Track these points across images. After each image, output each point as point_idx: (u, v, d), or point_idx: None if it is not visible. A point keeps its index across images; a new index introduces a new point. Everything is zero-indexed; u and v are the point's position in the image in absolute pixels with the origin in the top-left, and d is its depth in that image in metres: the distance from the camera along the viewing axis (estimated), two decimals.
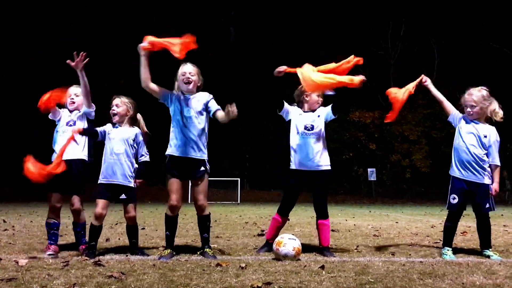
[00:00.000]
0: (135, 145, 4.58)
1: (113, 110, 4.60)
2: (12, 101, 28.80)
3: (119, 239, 5.80)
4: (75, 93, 4.79)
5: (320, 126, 4.69)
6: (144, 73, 4.31)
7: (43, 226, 7.48)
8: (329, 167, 4.70)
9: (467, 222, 8.51)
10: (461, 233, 6.88)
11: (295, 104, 4.87)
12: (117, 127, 4.61)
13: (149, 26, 30.98)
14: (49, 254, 4.32)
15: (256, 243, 5.45)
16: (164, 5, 32.60)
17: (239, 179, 28.34)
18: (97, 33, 30.41)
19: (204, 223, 4.48)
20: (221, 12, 35.63)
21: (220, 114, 4.38)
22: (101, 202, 4.38)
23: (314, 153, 4.62)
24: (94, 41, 29.92)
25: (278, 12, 34.90)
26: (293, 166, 4.68)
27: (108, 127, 4.62)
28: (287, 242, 4.17)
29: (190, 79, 4.44)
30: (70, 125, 4.68)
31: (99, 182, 4.46)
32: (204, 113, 4.46)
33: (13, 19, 28.96)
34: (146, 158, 4.65)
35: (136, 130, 4.64)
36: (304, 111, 4.78)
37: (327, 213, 4.67)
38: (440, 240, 5.95)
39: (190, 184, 4.59)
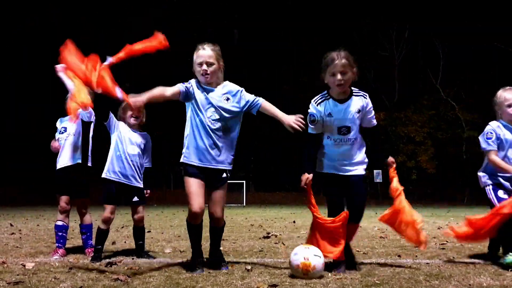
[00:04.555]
0: (144, 148, 4.57)
1: (137, 116, 4.53)
2: (13, 100, 29.02)
3: (125, 242, 5.82)
4: None
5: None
6: (155, 98, 3.60)
7: (49, 230, 7.52)
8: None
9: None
10: None
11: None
12: (130, 130, 4.51)
13: (153, 29, 31.12)
14: (55, 258, 4.34)
15: (262, 245, 5.45)
16: (168, 8, 32.74)
17: (244, 181, 28.34)
18: (101, 34, 30.55)
19: (217, 232, 3.94)
20: (225, 15, 35.73)
21: (268, 104, 3.83)
22: (109, 207, 4.33)
23: None
24: (96, 42, 30.09)
25: (280, 15, 34.93)
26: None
27: (122, 126, 4.48)
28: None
29: (208, 71, 3.68)
30: (62, 133, 4.72)
31: (107, 177, 4.34)
32: (233, 110, 3.76)
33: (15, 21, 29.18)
34: (149, 164, 4.64)
35: (147, 136, 4.62)
36: None
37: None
38: (447, 241, 5.91)
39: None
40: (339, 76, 3.60)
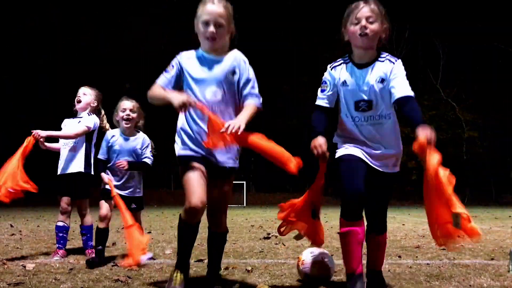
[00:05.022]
0: (141, 151, 4.35)
1: (128, 115, 4.24)
2: (15, 99, 29.04)
3: (125, 243, 5.81)
4: (83, 92, 4.70)
5: None
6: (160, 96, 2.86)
7: (50, 231, 7.52)
8: None
9: (475, 224, 8.45)
10: None
11: None
12: (122, 136, 4.30)
13: (153, 29, 31.17)
14: (56, 259, 4.34)
15: (262, 246, 5.45)
16: (168, 8, 32.71)
17: (244, 182, 28.32)
18: (101, 34, 30.54)
19: (218, 243, 3.08)
20: None
21: (248, 105, 2.85)
22: (105, 204, 4.17)
23: None
24: (98, 43, 30.10)
25: (280, 15, 34.93)
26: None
27: (114, 137, 4.29)
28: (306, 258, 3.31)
29: (216, 34, 2.82)
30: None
31: (104, 187, 4.22)
32: (236, 86, 2.92)
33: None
34: (147, 160, 4.34)
35: (142, 136, 4.39)
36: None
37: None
38: None
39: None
40: (363, 22, 2.74)
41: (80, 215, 4.75)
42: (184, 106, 2.69)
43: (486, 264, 4.07)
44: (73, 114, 4.78)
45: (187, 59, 2.93)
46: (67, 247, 4.78)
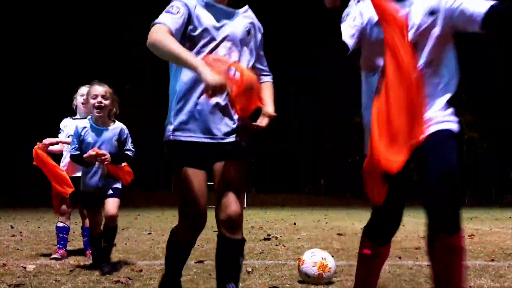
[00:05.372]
0: (120, 143, 3.84)
1: (100, 102, 3.69)
2: (15, 99, 29.06)
3: (125, 244, 5.81)
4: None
5: None
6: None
7: (50, 232, 7.51)
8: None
9: (475, 225, 8.47)
10: (469, 236, 6.84)
11: None
12: (94, 127, 3.78)
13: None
14: (55, 257, 4.34)
15: (263, 247, 5.45)
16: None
17: None
18: (101, 34, 30.55)
19: (234, 255, 2.31)
20: None
21: (267, 86, 2.38)
22: (92, 212, 3.83)
23: None
24: (98, 43, 30.09)
25: (279, 11, 34.99)
26: None
27: (81, 128, 3.78)
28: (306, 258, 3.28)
29: None
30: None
31: (84, 190, 3.83)
32: (253, 49, 2.30)
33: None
34: (129, 153, 3.87)
35: (118, 125, 3.86)
36: None
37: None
38: None
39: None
40: None
41: (82, 216, 4.75)
42: (218, 91, 1.92)
43: (486, 265, 4.07)
44: (72, 113, 4.77)
45: (192, 5, 2.15)
46: (68, 248, 4.78)
